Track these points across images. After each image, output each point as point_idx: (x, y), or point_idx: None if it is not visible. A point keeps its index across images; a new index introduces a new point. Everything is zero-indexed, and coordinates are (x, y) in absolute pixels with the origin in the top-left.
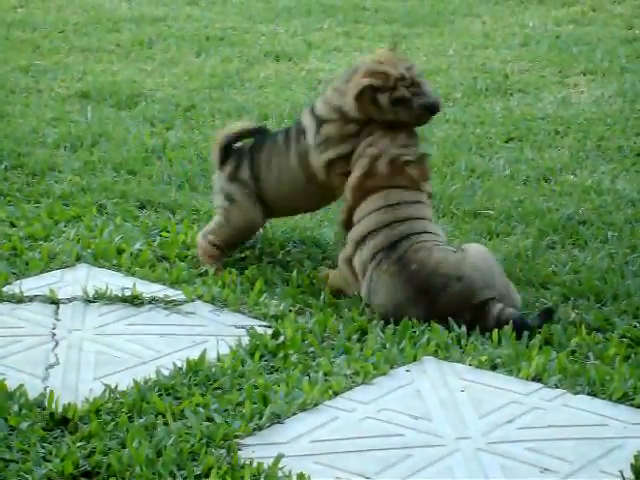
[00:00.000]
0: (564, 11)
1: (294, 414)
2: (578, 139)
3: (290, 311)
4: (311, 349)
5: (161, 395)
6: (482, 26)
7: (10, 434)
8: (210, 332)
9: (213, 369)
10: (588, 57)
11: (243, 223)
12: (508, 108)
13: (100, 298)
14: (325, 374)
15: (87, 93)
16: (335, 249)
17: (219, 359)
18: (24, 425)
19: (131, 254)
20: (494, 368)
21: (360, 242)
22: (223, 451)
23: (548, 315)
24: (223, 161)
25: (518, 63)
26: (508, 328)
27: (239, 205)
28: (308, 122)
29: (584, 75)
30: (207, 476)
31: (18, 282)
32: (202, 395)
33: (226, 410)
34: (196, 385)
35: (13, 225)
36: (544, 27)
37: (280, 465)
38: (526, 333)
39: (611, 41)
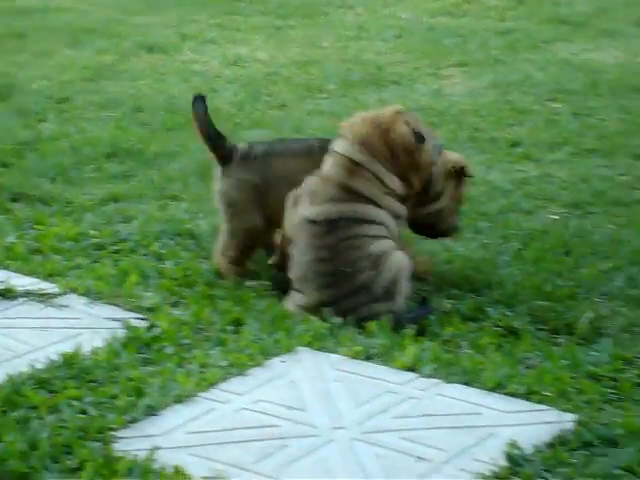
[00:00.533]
0: (438, 3)
1: (169, 406)
2: (452, 130)
3: (165, 303)
4: (186, 341)
5: (35, 388)
6: (356, 18)
7: None
8: (85, 325)
9: (88, 362)
10: (462, 49)
11: (245, 231)
12: (382, 100)
13: None
14: (200, 366)
15: None
16: (210, 241)
17: (94, 352)
18: None
19: (4, 247)
20: (369, 358)
21: None
22: (98, 444)
23: (425, 305)
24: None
25: (392, 55)
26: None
27: (241, 211)
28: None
29: (458, 67)
30: (82, 469)
31: None
32: (77, 388)
33: (101, 403)
34: (70, 378)
35: None
36: (418, 19)
37: (155, 457)
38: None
39: (484, 33)
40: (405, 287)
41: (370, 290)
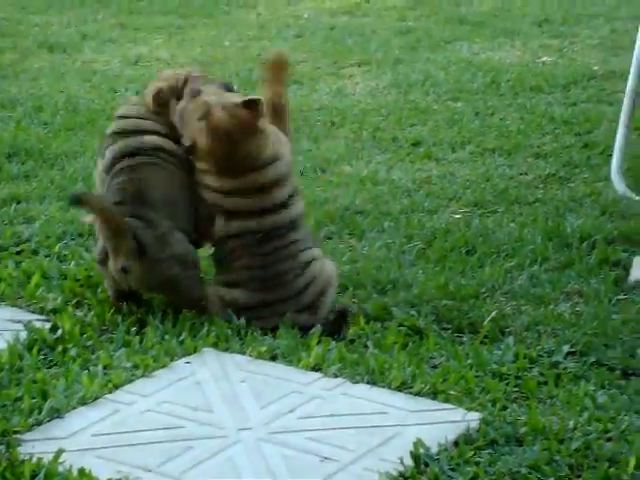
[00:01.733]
0: (338, 2)
1: (74, 408)
2: (354, 130)
3: (68, 304)
4: (90, 343)
5: None
6: (257, 17)
7: None
8: None
9: None
10: (363, 48)
11: None
12: None
13: None
14: (105, 367)
15: None
16: None
17: None
18: None
19: None
20: (274, 359)
21: None
22: (2, 447)
23: (343, 316)
24: None
25: (293, 54)
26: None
27: None
28: None
29: (359, 66)
30: None
31: None
32: None
33: (4, 406)
34: None
35: None
36: (319, 18)
37: (61, 460)
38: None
39: (385, 32)
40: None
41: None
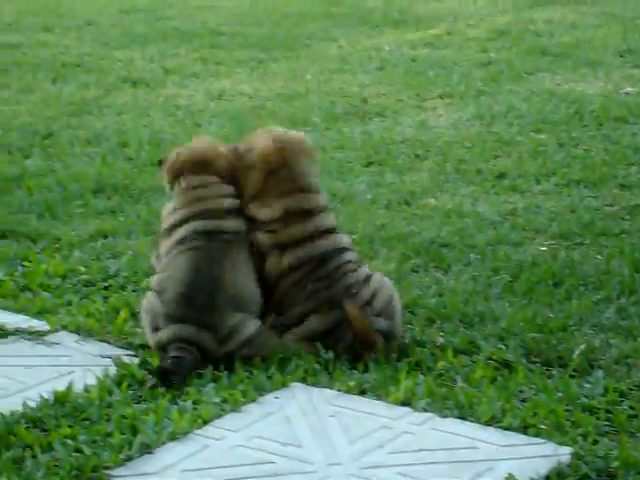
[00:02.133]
0: (419, 35)
1: (164, 444)
2: (438, 162)
3: None
4: None
5: (28, 427)
6: (338, 50)
7: None
8: (76, 362)
9: (80, 400)
10: (445, 80)
11: None
12: (367, 132)
13: None
14: (194, 403)
15: None
16: None
17: (86, 390)
18: None
19: None
20: (363, 393)
21: None
22: None
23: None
24: None
25: (375, 87)
26: None
27: None
28: None
29: (441, 98)
30: None
31: None
32: (70, 427)
33: (95, 441)
34: (64, 416)
35: None
36: (400, 51)
37: None
38: (394, 356)
39: (466, 64)
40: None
41: None
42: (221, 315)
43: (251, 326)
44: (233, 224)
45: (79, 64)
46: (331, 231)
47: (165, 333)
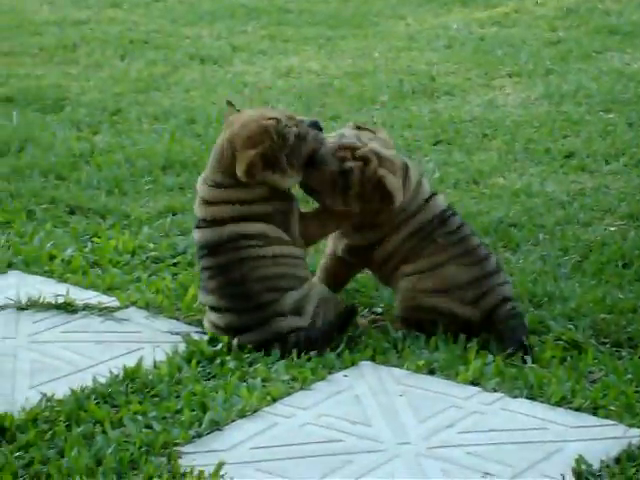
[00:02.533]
0: (487, 13)
1: (233, 421)
2: (506, 142)
3: None
4: (248, 355)
5: (99, 403)
6: (406, 28)
7: None
8: (145, 339)
9: (150, 376)
10: (513, 59)
11: None
12: (435, 111)
13: (33, 305)
14: (263, 380)
15: (11, 97)
16: None
17: (156, 366)
18: None
19: (63, 260)
20: (432, 372)
21: None
22: (163, 459)
23: (349, 315)
24: None
25: (443, 65)
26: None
27: None
28: None
29: (510, 77)
30: None
31: None
32: (140, 403)
33: (165, 418)
34: (133, 393)
35: None
36: (468, 29)
37: (221, 472)
38: (464, 336)
39: (535, 43)
40: None
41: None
42: None
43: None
44: None
45: (147, 41)
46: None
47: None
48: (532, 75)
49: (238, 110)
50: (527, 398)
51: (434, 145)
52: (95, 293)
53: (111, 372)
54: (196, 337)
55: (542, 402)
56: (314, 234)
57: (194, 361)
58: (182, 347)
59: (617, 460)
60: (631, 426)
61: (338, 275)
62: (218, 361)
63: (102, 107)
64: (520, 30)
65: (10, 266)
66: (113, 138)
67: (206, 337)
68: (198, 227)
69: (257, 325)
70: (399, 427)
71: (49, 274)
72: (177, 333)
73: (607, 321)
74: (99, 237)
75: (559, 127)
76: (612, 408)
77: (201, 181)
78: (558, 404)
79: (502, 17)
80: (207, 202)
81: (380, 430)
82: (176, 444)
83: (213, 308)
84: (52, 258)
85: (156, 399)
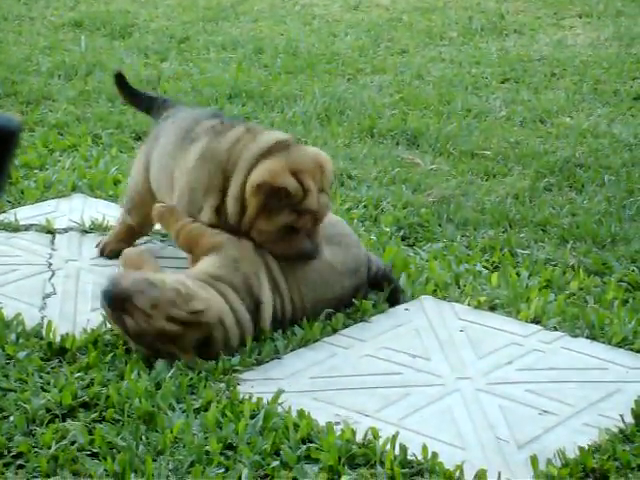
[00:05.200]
0: None
1: (293, 350)
2: (574, 82)
3: None
4: None
5: None
6: None
7: (7, 363)
8: None
9: None
10: None
11: None
12: (504, 49)
13: (96, 229)
14: None
15: (80, 22)
16: (335, 185)
17: None
18: (22, 354)
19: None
20: (493, 309)
21: None
22: (222, 385)
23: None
24: None
25: (513, 3)
26: None
27: None
28: None
29: (580, 17)
30: (206, 410)
31: (13, 211)
32: None
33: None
34: None
35: None
36: None
37: (280, 400)
38: (526, 274)
39: None
40: None
41: None
42: None
43: None
44: None
45: None
46: None
47: None
48: (602, 16)
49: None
50: (588, 338)
51: (502, 83)
52: None
53: None
54: None
55: (603, 342)
56: None
57: None
58: None
59: None
60: None
61: None
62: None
63: (170, 35)
64: None
65: (75, 189)
66: (180, 66)
67: None
68: None
69: None
70: (458, 362)
71: (113, 198)
72: None
73: None
74: None
75: (628, 69)
76: None
77: None
78: (619, 345)
79: None
80: None
81: (439, 364)
82: (235, 371)
83: None
84: (116, 183)
85: None
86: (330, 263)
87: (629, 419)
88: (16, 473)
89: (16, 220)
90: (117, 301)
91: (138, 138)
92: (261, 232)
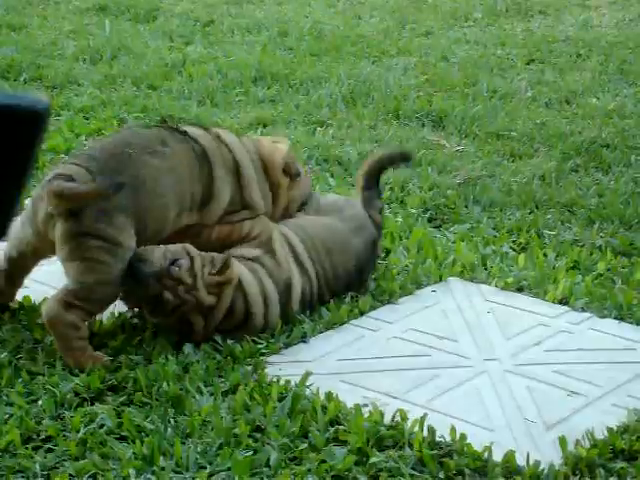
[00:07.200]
0: None
1: (320, 333)
2: (600, 62)
3: None
4: None
5: None
6: None
7: (35, 347)
8: None
9: None
10: None
11: None
12: (529, 29)
13: None
14: (351, 294)
15: (104, 6)
16: (358, 167)
17: None
18: (49, 338)
19: None
20: (520, 290)
21: None
22: (250, 368)
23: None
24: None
25: None
26: None
27: None
28: None
29: None
30: (234, 392)
31: None
32: None
33: None
34: None
35: None
36: None
37: (307, 383)
38: (553, 255)
39: None
40: None
41: None
42: None
43: None
44: None
45: None
46: None
47: None
48: None
49: None
50: (616, 319)
51: (527, 64)
52: None
53: None
54: None
55: (631, 323)
56: None
57: None
58: None
59: None
60: None
61: None
62: None
63: (194, 18)
64: None
65: None
66: (205, 49)
67: None
68: None
69: None
70: (486, 343)
71: None
72: None
73: None
74: None
75: None
76: None
77: None
78: None
79: None
80: None
81: (467, 346)
82: (262, 354)
83: None
84: None
85: None
86: (333, 228)
87: None
88: (45, 457)
89: None
90: (153, 277)
91: (163, 121)
92: None
